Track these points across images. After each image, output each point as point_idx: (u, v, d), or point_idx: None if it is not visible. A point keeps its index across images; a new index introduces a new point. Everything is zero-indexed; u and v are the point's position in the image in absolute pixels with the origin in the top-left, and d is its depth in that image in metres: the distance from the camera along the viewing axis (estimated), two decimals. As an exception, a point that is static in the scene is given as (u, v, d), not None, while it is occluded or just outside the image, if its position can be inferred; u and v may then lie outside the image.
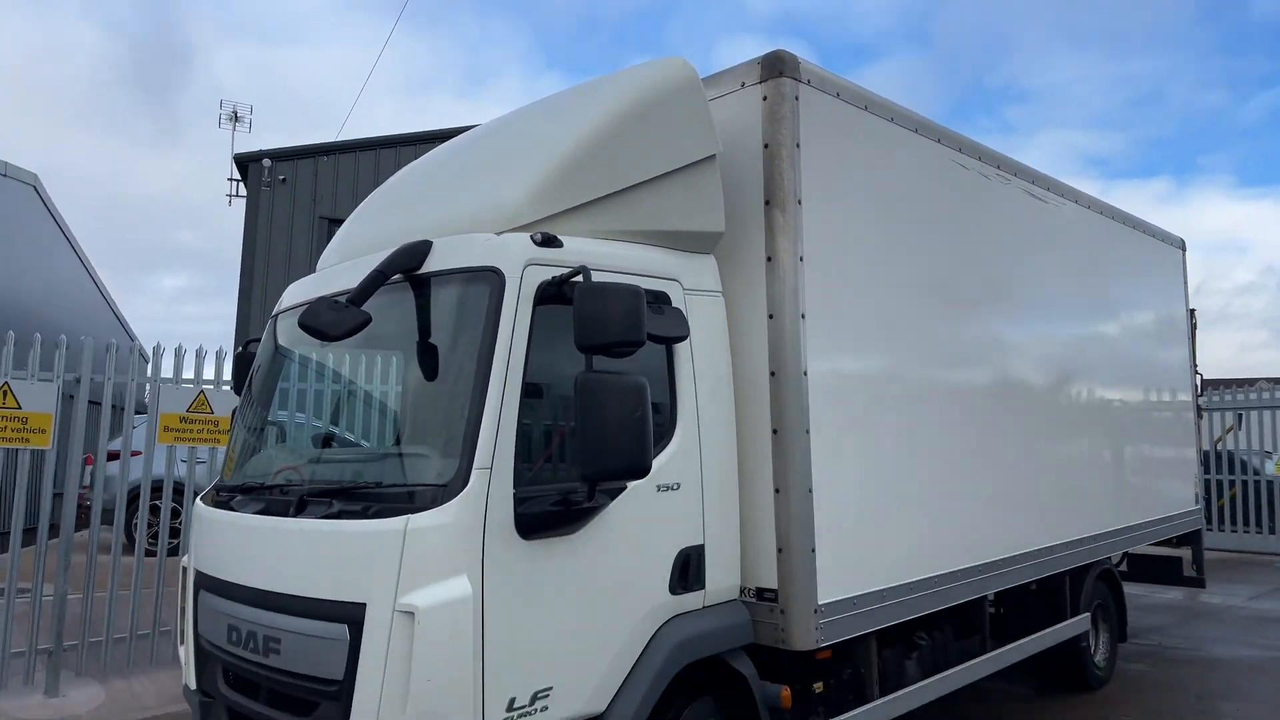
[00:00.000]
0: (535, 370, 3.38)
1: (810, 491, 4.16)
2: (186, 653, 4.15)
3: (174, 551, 7.56)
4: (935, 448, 5.12)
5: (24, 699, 6.39)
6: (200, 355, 7.59)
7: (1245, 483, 14.42)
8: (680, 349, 3.93)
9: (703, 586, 3.91)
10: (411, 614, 3.03)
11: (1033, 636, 6.00)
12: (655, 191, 3.96)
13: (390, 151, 18.71)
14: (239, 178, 20.09)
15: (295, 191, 18.78)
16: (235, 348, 7.72)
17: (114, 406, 7.23)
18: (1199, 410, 9.07)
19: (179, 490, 7.64)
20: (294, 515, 3.50)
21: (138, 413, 7.82)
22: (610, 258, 3.67)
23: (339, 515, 3.35)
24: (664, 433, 3.85)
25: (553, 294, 3.43)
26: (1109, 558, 7.17)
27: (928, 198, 5.30)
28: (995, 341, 5.85)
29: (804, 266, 4.20)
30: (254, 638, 3.52)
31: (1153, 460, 7.95)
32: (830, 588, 4.19)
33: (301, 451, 4.19)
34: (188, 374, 7.51)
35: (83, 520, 8.73)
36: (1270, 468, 14.18)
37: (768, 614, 4.13)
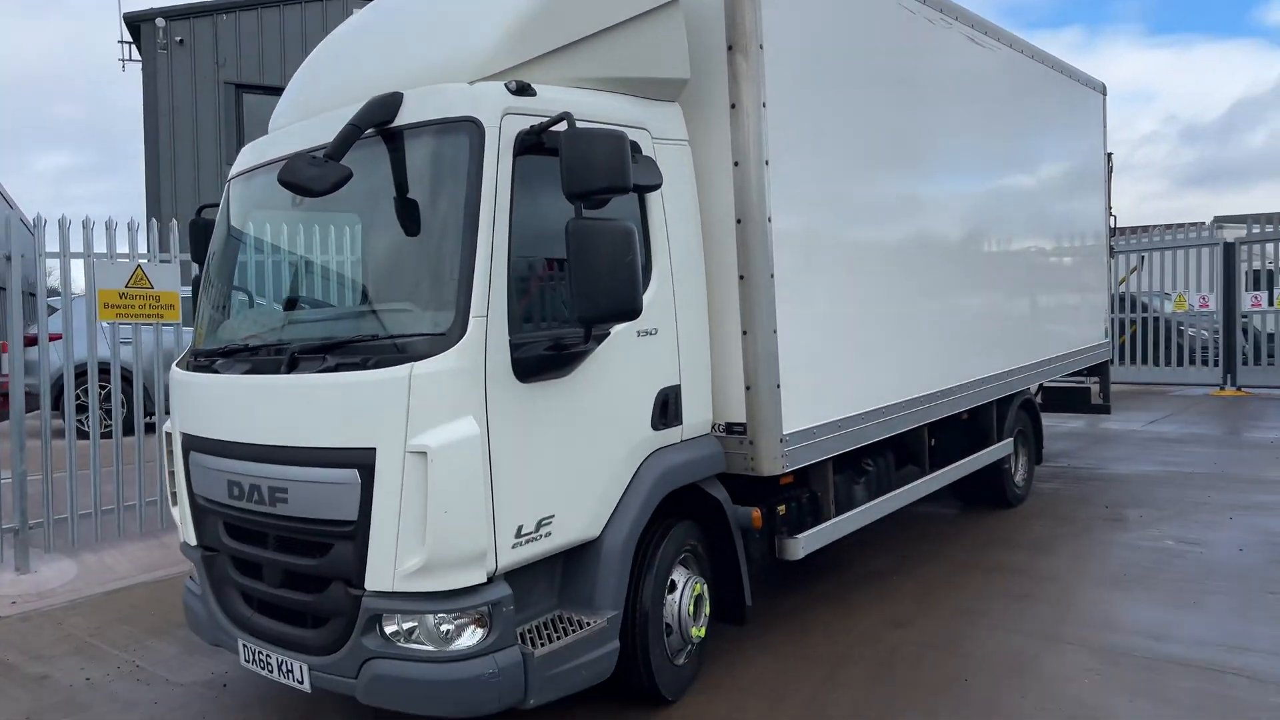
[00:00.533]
0: (519, 220, 3.48)
1: (775, 333, 4.41)
2: (182, 513, 4.28)
3: (109, 435, 7.49)
4: (881, 290, 5.43)
5: (-4, 576, 6.46)
6: (132, 228, 7.34)
7: (1144, 321, 15.43)
8: (651, 198, 4.05)
9: (680, 423, 4.18)
10: (424, 453, 3.21)
11: (965, 459, 6.56)
12: (620, 38, 3.97)
13: (296, 8, 17.58)
14: (131, 40, 18.67)
15: (196, 55, 17.60)
16: (148, 219, 7.43)
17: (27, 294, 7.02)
18: (1111, 251, 9.62)
19: (105, 370, 7.45)
20: (291, 372, 3.59)
21: (52, 294, 7.56)
22: (581, 105, 3.71)
23: (338, 368, 3.45)
24: (644, 274, 4.01)
25: (532, 143, 3.49)
26: (1029, 389, 7.75)
27: (881, 43, 5.40)
28: (938, 190, 6.12)
29: (767, 113, 4.31)
30: (258, 490, 3.66)
31: (1069, 300, 8.50)
32: (792, 420, 4.52)
33: (285, 313, 4.22)
34: (93, 248, 7.26)
35: (4, 408, 8.57)
36: (1169, 307, 15.18)
37: (737, 445, 4.46)
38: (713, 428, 4.45)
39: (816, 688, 4.23)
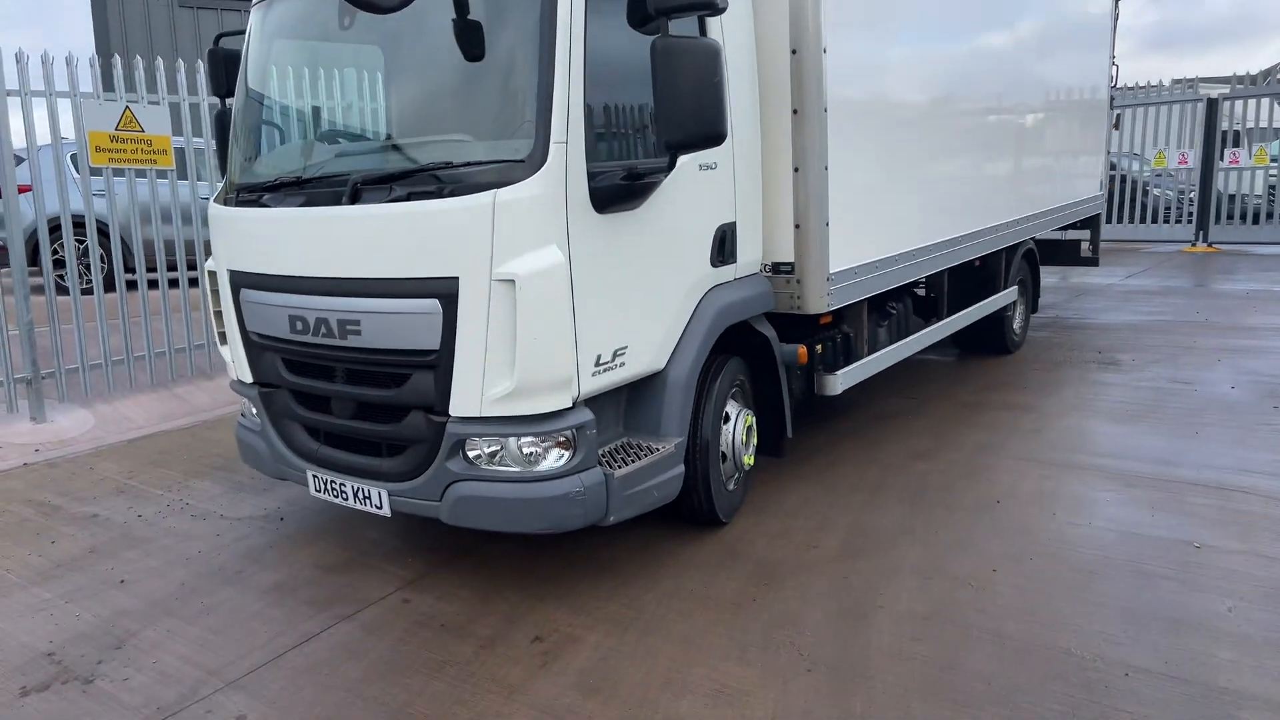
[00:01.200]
0: (594, 45, 3.38)
1: (825, 170, 4.41)
2: (233, 351, 4.27)
3: (90, 289, 7.30)
4: (915, 135, 5.45)
5: (11, 425, 6.43)
6: (110, 67, 6.93)
7: (1114, 179, 15.57)
8: (712, 24, 3.94)
9: (735, 261, 4.22)
10: (512, 281, 3.23)
11: (977, 304, 6.74)
12: None
13: None
14: None
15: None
16: (99, 59, 6.97)
17: None
18: (1112, 103, 9.61)
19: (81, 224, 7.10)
20: (354, 203, 3.53)
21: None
22: None
23: (410, 198, 3.40)
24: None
25: None
26: (1032, 239, 7.89)
27: None
28: (965, 43, 6.07)
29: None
30: (325, 324, 3.66)
31: (1071, 154, 8.54)
32: (836, 260, 4.58)
33: (336, 144, 4.09)
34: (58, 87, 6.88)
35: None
36: (1139, 166, 15.32)
37: (784, 285, 4.53)
38: (761, 268, 4.50)
39: (858, 511, 4.47)
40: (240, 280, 4.09)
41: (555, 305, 3.28)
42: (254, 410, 4.33)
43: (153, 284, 7.37)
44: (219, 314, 4.43)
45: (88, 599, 3.90)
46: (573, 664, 3.22)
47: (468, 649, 3.35)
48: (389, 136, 3.88)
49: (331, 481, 3.90)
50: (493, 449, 3.47)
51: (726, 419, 4.28)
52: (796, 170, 4.38)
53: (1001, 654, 3.15)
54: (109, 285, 7.56)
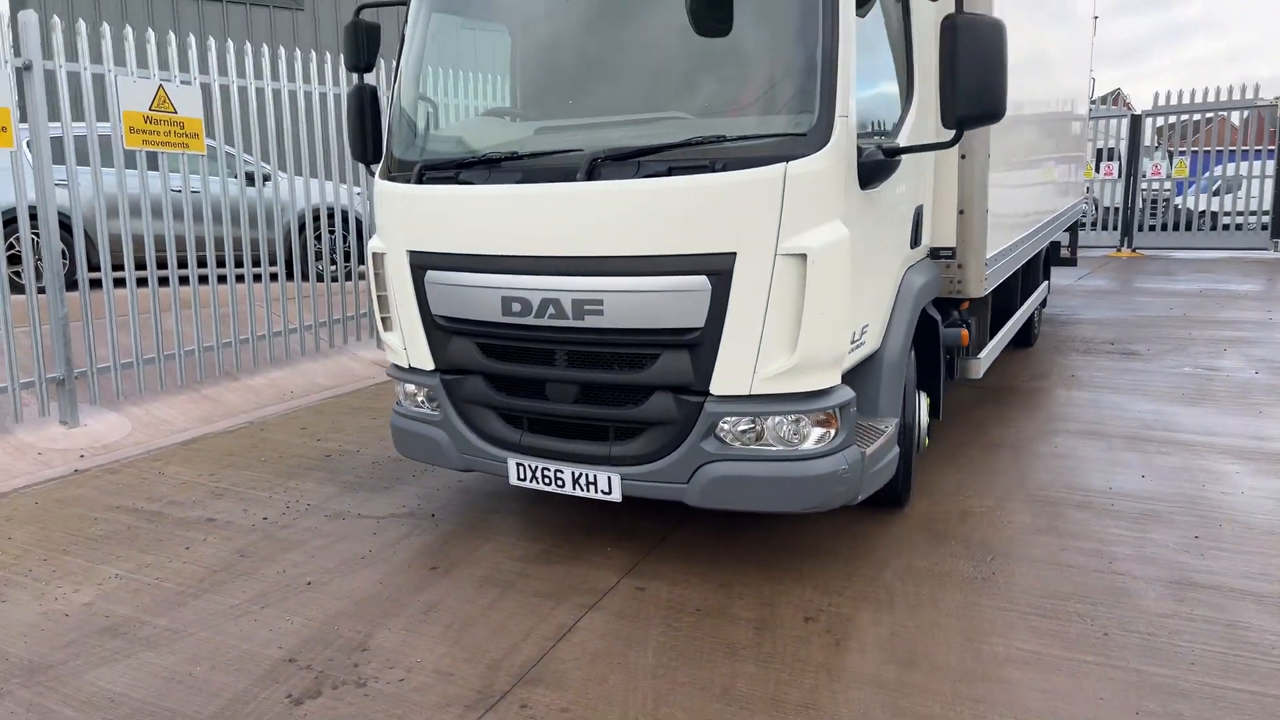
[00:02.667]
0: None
1: (989, 157, 4.55)
2: (409, 337, 4.03)
3: (95, 283, 6.69)
4: (1025, 136, 5.69)
5: (43, 429, 5.85)
6: (145, 40, 6.42)
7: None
8: (915, 8, 4.01)
9: (919, 243, 4.30)
10: (803, 256, 3.19)
11: (1034, 293, 7.11)
12: None
13: None
14: None
15: None
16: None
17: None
18: (1090, 115, 10.26)
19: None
20: (599, 178, 3.39)
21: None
22: None
23: (672, 172, 3.30)
24: (907, 96, 4.01)
25: None
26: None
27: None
28: (1033, 60, 6.42)
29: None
30: (555, 305, 3.51)
31: (1072, 159, 9.09)
32: (989, 245, 4.73)
33: (552, 118, 3.91)
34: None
35: None
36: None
37: (945, 269, 4.64)
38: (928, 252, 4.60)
39: (1018, 489, 4.61)
40: (425, 262, 3.87)
41: (840, 280, 3.26)
42: (422, 399, 4.11)
43: (135, 281, 6.84)
44: (382, 298, 4.18)
45: (285, 603, 3.60)
46: (867, 641, 3.19)
47: (743, 633, 3.27)
48: (625, 110, 3.73)
49: (543, 469, 3.74)
50: (756, 427, 3.41)
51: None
52: (963, 157, 4.49)
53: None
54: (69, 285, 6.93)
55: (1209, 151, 15.35)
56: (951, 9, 3.28)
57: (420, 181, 3.88)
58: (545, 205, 3.55)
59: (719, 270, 3.27)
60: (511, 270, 3.63)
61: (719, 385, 3.38)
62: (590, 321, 3.49)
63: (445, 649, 3.21)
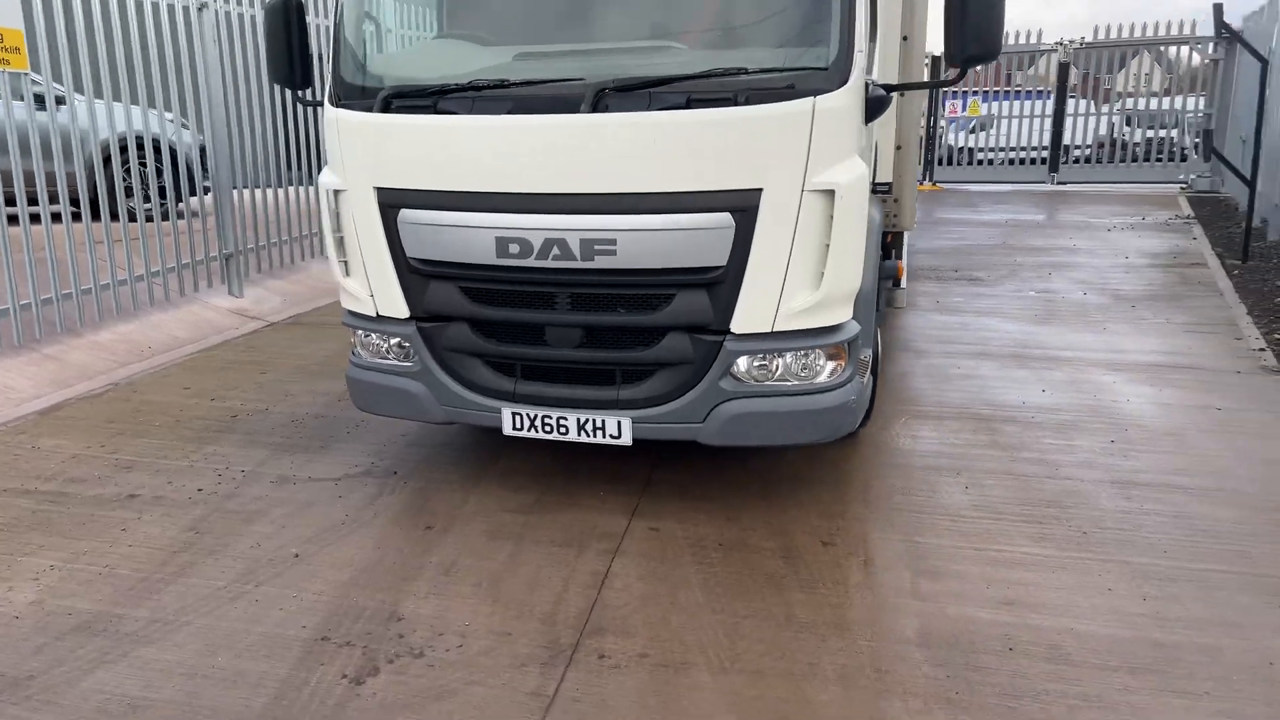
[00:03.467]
0: None
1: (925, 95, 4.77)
2: (376, 283, 3.73)
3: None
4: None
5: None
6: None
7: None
8: None
9: (875, 179, 4.46)
10: (831, 191, 3.23)
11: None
12: None
13: None
14: None
15: None
16: None
17: None
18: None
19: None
20: (596, 111, 3.26)
21: None
22: None
23: (690, 105, 3.22)
24: (872, 33, 4.11)
25: None
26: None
27: None
28: None
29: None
30: (559, 245, 3.37)
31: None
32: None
33: (538, 45, 3.62)
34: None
35: None
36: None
37: (881, 204, 4.85)
38: (867, 186, 4.78)
39: (948, 398, 4.99)
40: (398, 200, 3.58)
41: (861, 215, 3.34)
42: (390, 349, 3.83)
43: None
44: (340, 240, 3.82)
45: (280, 579, 3.30)
46: (890, 559, 3.39)
47: (774, 563, 3.38)
48: (615, 37, 3.57)
49: (543, 418, 3.61)
50: (767, 364, 3.46)
51: (864, 331, 4.55)
52: (901, 95, 4.68)
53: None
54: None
55: (1018, 91, 16.65)
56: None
57: (387, 110, 3.55)
58: (547, 137, 3.36)
59: (744, 207, 3.26)
60: (507, 209, 3.43)
61: (740, 323, 3.39)
62: (601, 262, 3.37)
63: (488, 609, 3.08)
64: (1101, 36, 14.60)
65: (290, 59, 3.94)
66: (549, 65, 3.55)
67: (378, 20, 3.84)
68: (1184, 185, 14.47)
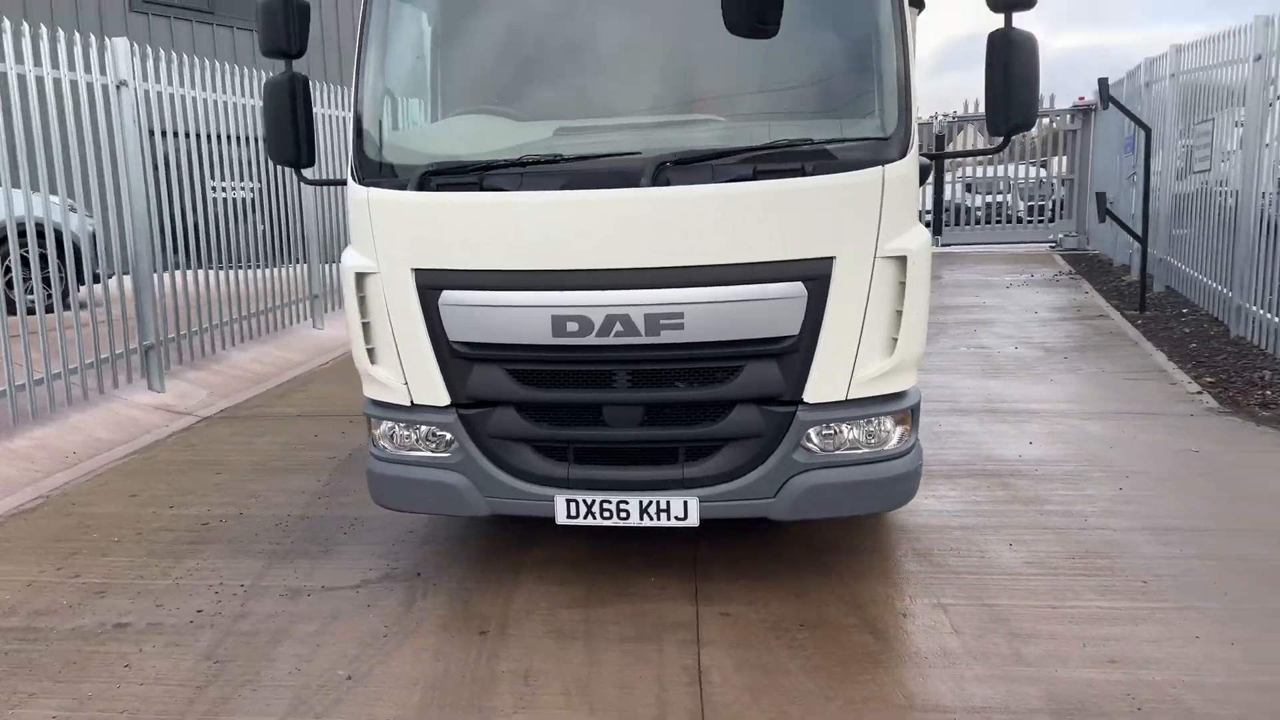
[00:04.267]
0: None
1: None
2: (411, 370, 3.48)
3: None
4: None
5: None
6: None
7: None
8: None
9: None
10: (904, 258, 3.23)
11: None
12: None
13: None
14: None
15: None
16: None
17: None
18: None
19: None
20: (656, 184, 3.18)
21: None
22: None
23: (757, 176, 3.18)
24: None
25: None
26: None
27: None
28: None
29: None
30: (623, 321, 3.23)
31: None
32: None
33: (599, 117, 3.49)
34: None
35: None
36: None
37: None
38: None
39: (941, 459, 5.05)
40: (440, 281, 3.37)
41: (927, 280, 3.35)
42: (420, 440, 3.56)
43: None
44: (367, 327, 3.55)
45: (341, 705, 2.93)
46: (976, 624, 3.33)
47: (865, 639, 3.26)
48: (666, 109, 3.49)
49: (602, 503, 3.42)
50: (839, 434, 3.39)
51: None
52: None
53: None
54: None
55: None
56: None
57: (428, 188, 3.35)
58: (609, 213, 3.25)
59: (816, 275, 3.22)
60: (564, 286, 3.28)
61: (813, 393, 3.32)
62: (667, 337, 3.25)
63: (593, 718, 2.82)
64: (970, 110, 15.67)
65: (296, 137, 3.69)
66: (593, 139, 3.45)
67: (400, 95, 3.65)
68: (1054, 244, 15.56)
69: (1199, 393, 6.45)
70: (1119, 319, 9.31)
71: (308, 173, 3.92)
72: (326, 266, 10.00)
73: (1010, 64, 3.36)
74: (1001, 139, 3.50)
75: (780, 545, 4.02)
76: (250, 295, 8.50)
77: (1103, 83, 9.22)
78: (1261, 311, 7.23)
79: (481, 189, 3.32)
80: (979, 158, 15.20)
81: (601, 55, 3.56)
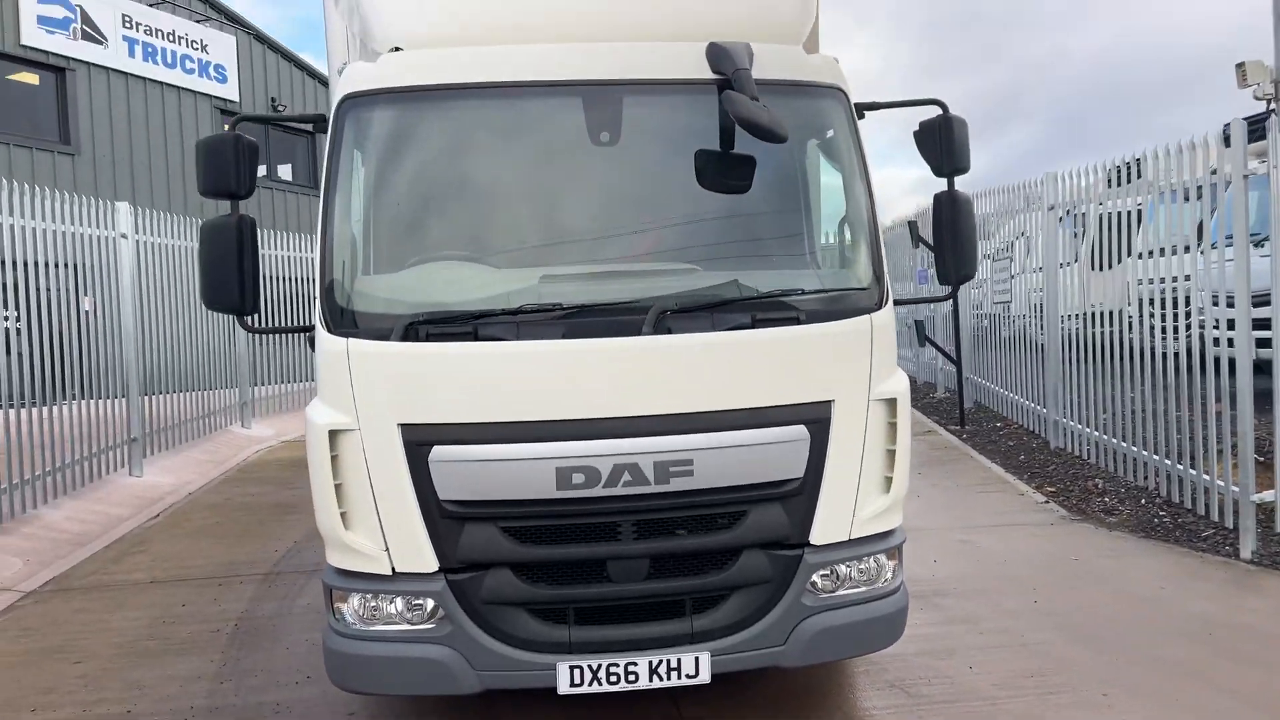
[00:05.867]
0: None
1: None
2: (393, 533, 3.18)
3: None
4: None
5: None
6: None
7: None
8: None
9: None
10: (893, 400, 3.38)
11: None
12: None
13: None
14: None
15: None
16: None
17: None
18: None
19: None
20: (658, 332, 3.19)
21: None
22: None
23: (756, 324, 3.26)
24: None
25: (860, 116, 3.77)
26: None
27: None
28: None
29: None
30: (632, 470, 3.16)
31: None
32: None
33: (588, 269, 3.39)
34: None
35: None
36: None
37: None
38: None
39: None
40: (430, 436, 3.16)
41: (908, 420, 3.52)
42: (397, 611, 3.23)
43: None
44: (340, 489, 3.21)
45: None
46: (982, 755, 3.39)
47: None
48: (660, 258, 3.50)
49: (609, 667, 3.22)
50: (841, 573, 3.42)
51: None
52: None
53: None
54: None
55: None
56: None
57: (415, 338, 3.16)
58: (611, 361, 3.20)
59: (817, 418, 3.30)
60: (569, 436, 3.16)
61: (819, 534, 3.35)
62: (677, 484, 3.19)
63: None
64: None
65: (241, 283, 3.39)
66: (583, 287, 3.41)
67: (372, 240, 3.45)
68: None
69: (1045, 502, 7.11)
70: (945, 434, 10.15)
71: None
72: (148, 400, 9.01)
73: (956, 223, 3.71)
74: (950, 288, 3.82)
75: (755, 689, 3.94)
76: (56, 440, 7.40)
77: (912, 225, 10.32)
78: (1079, 425, 8.15)
79: (477, 339, 3.17)
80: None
81: (584, 202, 3.57)
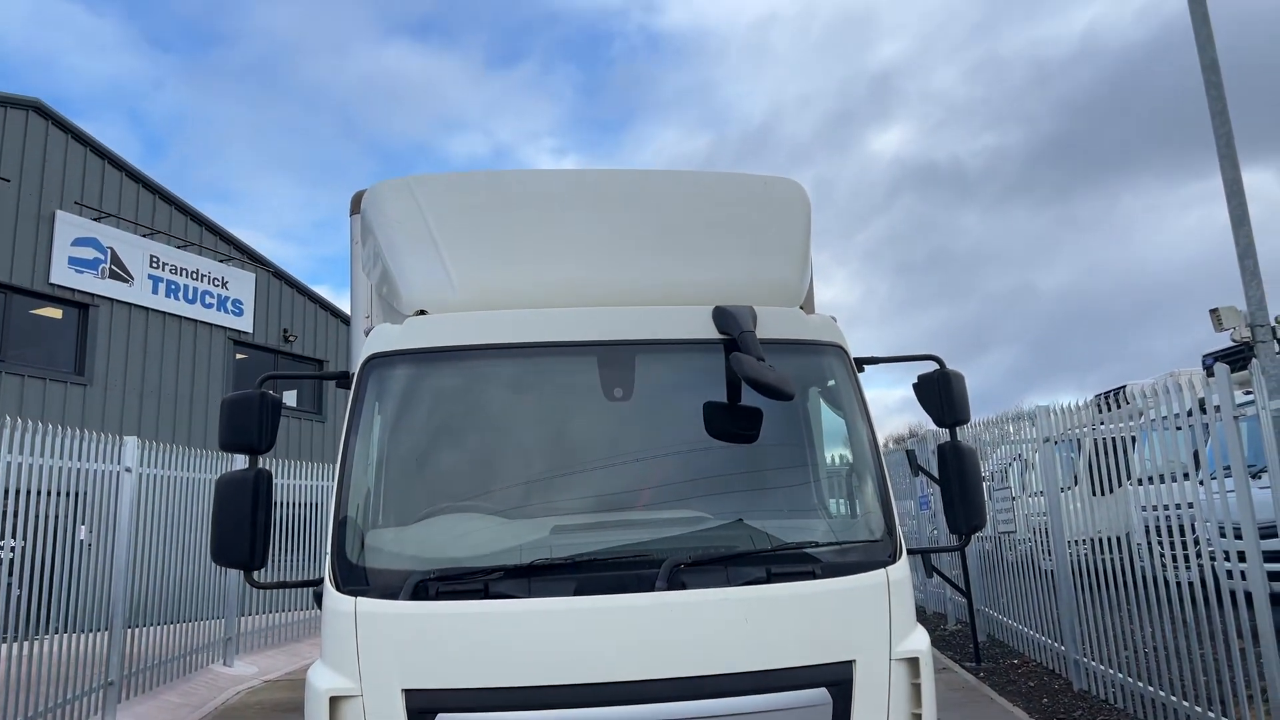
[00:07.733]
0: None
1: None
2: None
3: None
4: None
5: None
6: None
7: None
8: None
9: None
10: (915, 660, 3.29)
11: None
12: None
13: None
14: None
15: None
16: None
17: None
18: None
19: None
20: (672, 588, 3.16)
21: None
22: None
23: (772, 579, 3.23)
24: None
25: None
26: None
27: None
28: None
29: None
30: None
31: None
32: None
33: (593, 520, 3.41)
34: None
35: None
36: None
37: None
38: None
39: None
40: (438, 703, 3.04)
41: (933, 680, 3.40)
42: None
43: None
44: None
45: None
46: None
47: None
48: (672, 508, 3.52)
49: None
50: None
51: None
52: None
53: None
54: None
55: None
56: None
57: (425, 596, 3.11)
58: (624, 619, 3.14)
59: (838, 680, 3.20)
60: (580, 703, 3.04)
61: (848, 804, 3.14)
62: (697, 757, 3.03)
63: None
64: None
65: (252, 538, 3.38)
66: (595, 538, 3.41)
67: (384, 495, 3.48)
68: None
69: (1076, 751, 6.69)
70: (961, 672, 9.71)
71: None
72: (131, 633, 8.64)
73: (963, 474, 3.76)
74: (962, 537, 3.83)
75: None
76: (33, 680, 7.00)
77: (910, 455, 10.43)
78: (1100, 666, 7.80)
79: (488, 596, 3.12)
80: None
81: (598, 456, 3.64)
